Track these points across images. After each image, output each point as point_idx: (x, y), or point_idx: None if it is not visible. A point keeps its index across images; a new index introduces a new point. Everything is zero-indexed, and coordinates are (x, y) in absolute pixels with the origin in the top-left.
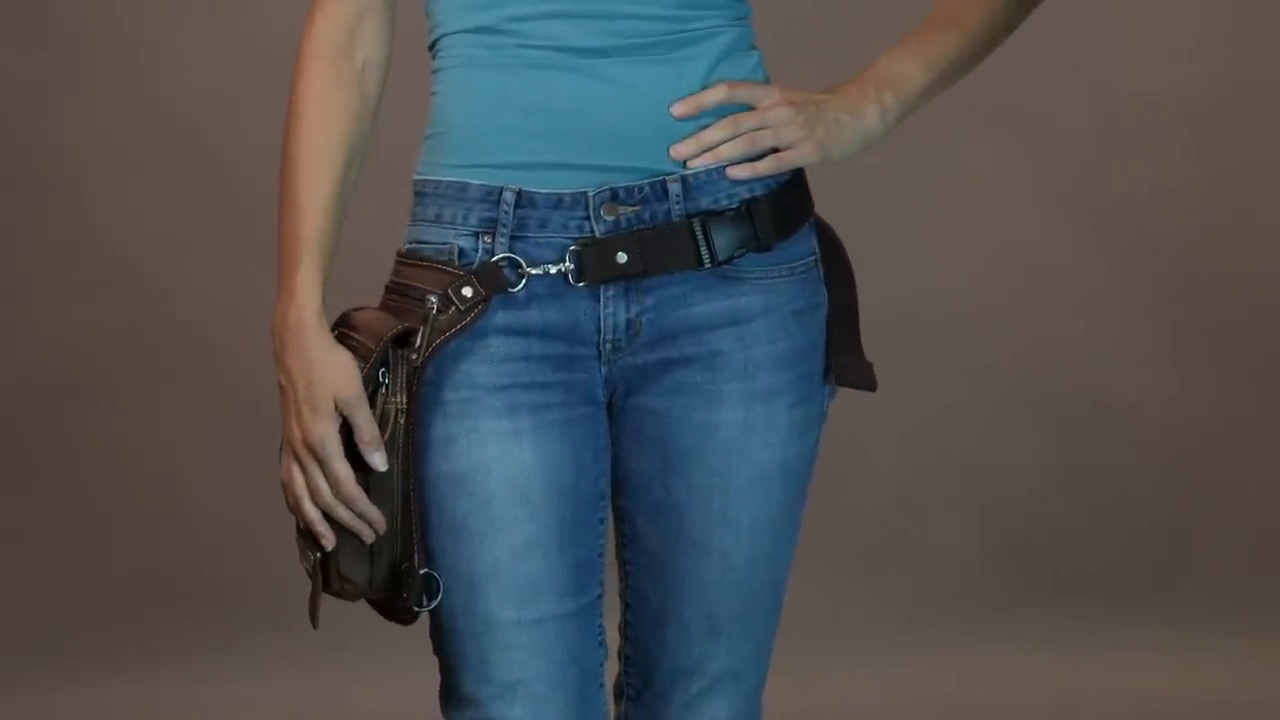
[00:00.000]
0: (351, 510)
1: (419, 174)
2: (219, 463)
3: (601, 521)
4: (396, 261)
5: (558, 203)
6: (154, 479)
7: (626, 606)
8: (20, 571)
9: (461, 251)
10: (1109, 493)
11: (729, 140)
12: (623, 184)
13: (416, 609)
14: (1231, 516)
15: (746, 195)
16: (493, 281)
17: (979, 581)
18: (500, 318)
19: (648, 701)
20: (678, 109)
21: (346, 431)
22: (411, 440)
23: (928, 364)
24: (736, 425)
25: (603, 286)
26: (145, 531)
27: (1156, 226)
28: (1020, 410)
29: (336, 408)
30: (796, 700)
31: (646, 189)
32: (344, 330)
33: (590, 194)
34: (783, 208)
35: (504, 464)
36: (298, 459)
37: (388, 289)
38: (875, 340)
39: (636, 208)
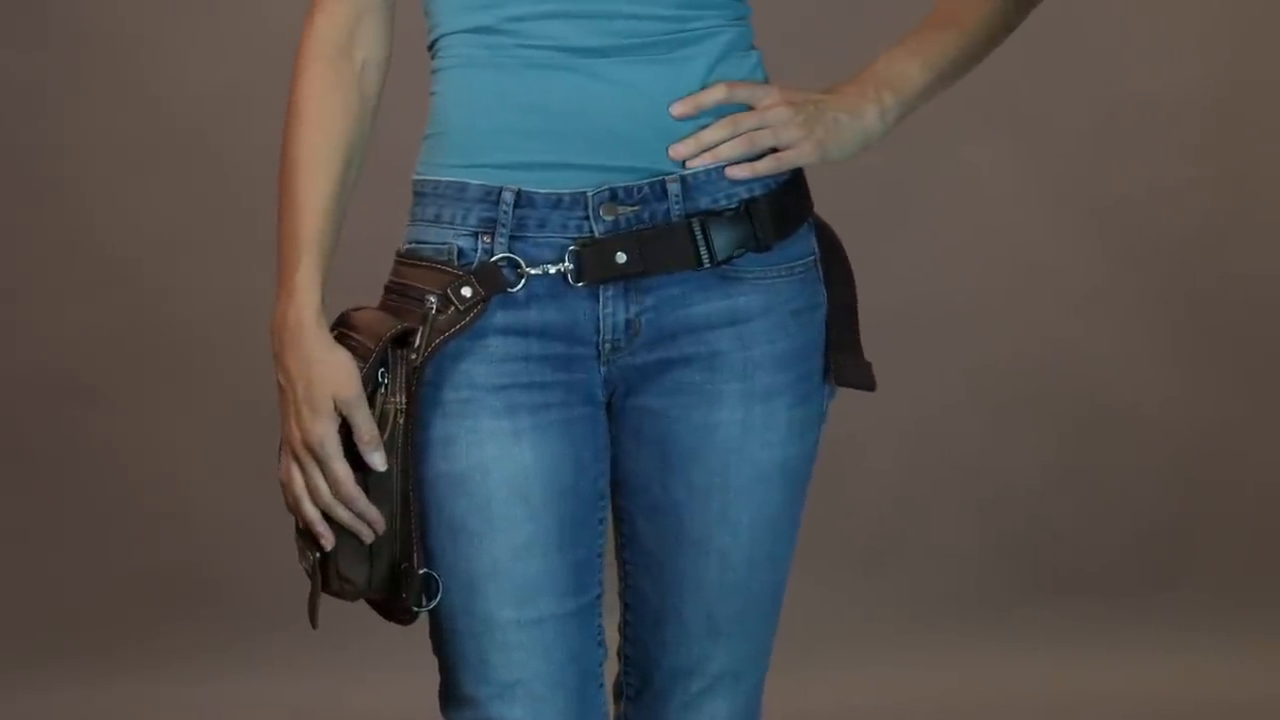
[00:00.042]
0: (351, 510)
1: (418, 174)
2: (219, 463)
3: (601, 521)
4: (396, 261)
5: (557, 203)
6: (154, 479)
7: (626, 606)
8: (20, 571)
9: (461, 251)
10: (1109, 493)
11: (728, 140)
12: (622, 184)
13: (416, 609)
14: (1231, 516)
15: (745, 195)
16: (492, 281)
17: (978, 581)
18: (499, 318)
19: (647, 701)
20: (677, 109)
21: (346, 431)
22: (411, 440)
23: (927, 364)
24: (735, 425)
25: (602, 286)
26: (145, 531)
27: (1156, 226)
28: (1020, 410)
29: (336, 408)
30: (796, 700)
31: (645, 189)
32: (343, 330)
33: (589, 194)
34: (782, 208)
35: (503, 464)
36: (297, 459)
37: (387, 289)
38: (874, 340)
39: (635, 208)
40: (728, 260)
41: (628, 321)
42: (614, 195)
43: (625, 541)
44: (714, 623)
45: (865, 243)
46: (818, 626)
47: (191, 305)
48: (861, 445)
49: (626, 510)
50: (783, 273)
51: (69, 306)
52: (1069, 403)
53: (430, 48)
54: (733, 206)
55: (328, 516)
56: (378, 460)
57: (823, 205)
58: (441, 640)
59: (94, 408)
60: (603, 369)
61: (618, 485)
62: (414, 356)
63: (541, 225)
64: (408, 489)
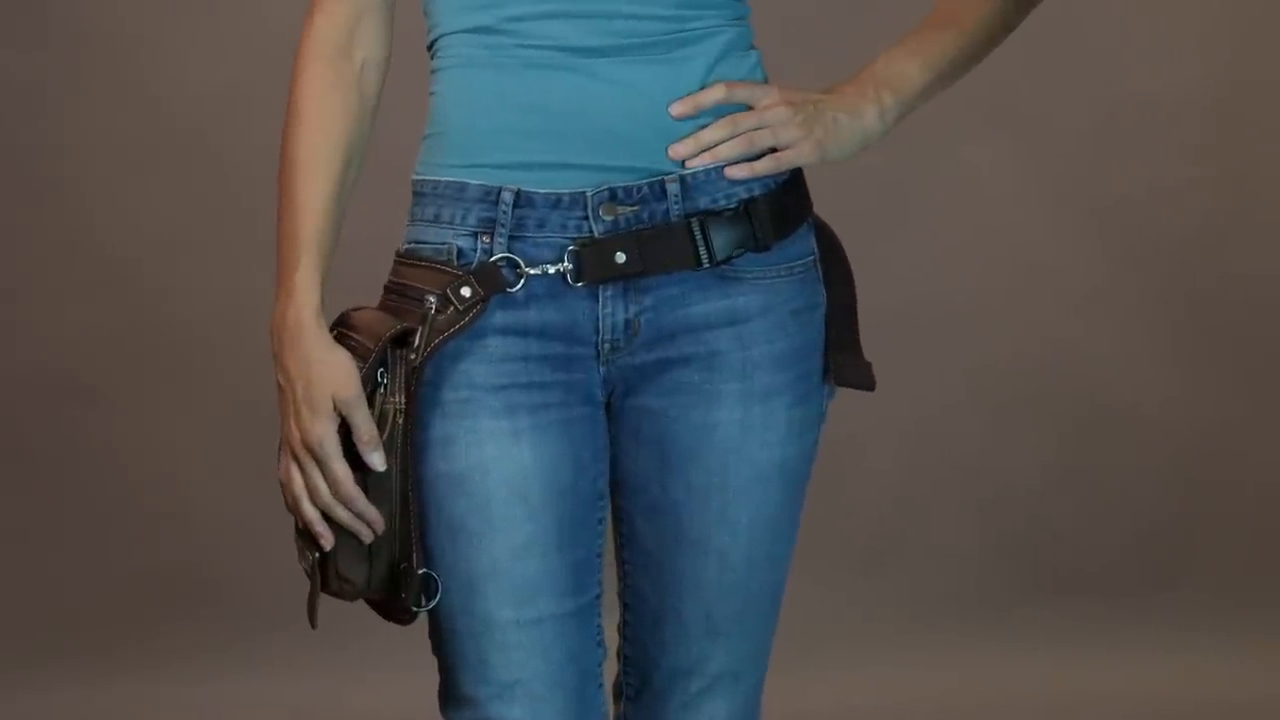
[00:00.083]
0: (350, 510)
1: (417, 174)
2: (219, 463)
3: (600, 521)
4: (395, 261)
5: (556, 203)
6: (154, 479)
7: (625, 606)
8: (20, 571)
9: (460, 251)
10: (1109, 493)
11: (727, 140)
12: (621, 184)
13: (415, 609)
14: (1231, 516)
15: (745, 195)
16: (491, 281)
17: (978, 581)
18: (499, 318)
19: (646, 701)
20: (676, 109)
21: (345, 431)
22: (410, 440)
23: (926, 364)
24: (734, 425)
25: (601, 286)
26: (145, 531)
27: (1155, 226)
28: (1019, 410)
29: (335, 408)
30: (796, 700)
31: (645, 189)
32: (343, 330)
33: (589, 194)
34: (781, 208)
35: (502, 464)
36: (296, 459)
37: (386, 289)
38: (874, 340)
39: (635, 208)
40: (727, 260)
41: (627, 321)
42: (613, 195)
43: (624, 541)
44: (713, 623)
45: (865, 243)
46: (818, 626)
47: (191, 305)
48: (861, 445)
49: (625, 510)
50: (782, 273)
51: (69, 306)
52: (1069, 403)
53: (430, 48)
54: (732, 206)
55: (327, 516)
56: (377, 460)
57: (823, 205)
58: (441, 640)
59: (94, 408)
60: (602, 369)
61: (617, 485)
62: (413, 356)
63: (541, 225)
64: (407, 489)
